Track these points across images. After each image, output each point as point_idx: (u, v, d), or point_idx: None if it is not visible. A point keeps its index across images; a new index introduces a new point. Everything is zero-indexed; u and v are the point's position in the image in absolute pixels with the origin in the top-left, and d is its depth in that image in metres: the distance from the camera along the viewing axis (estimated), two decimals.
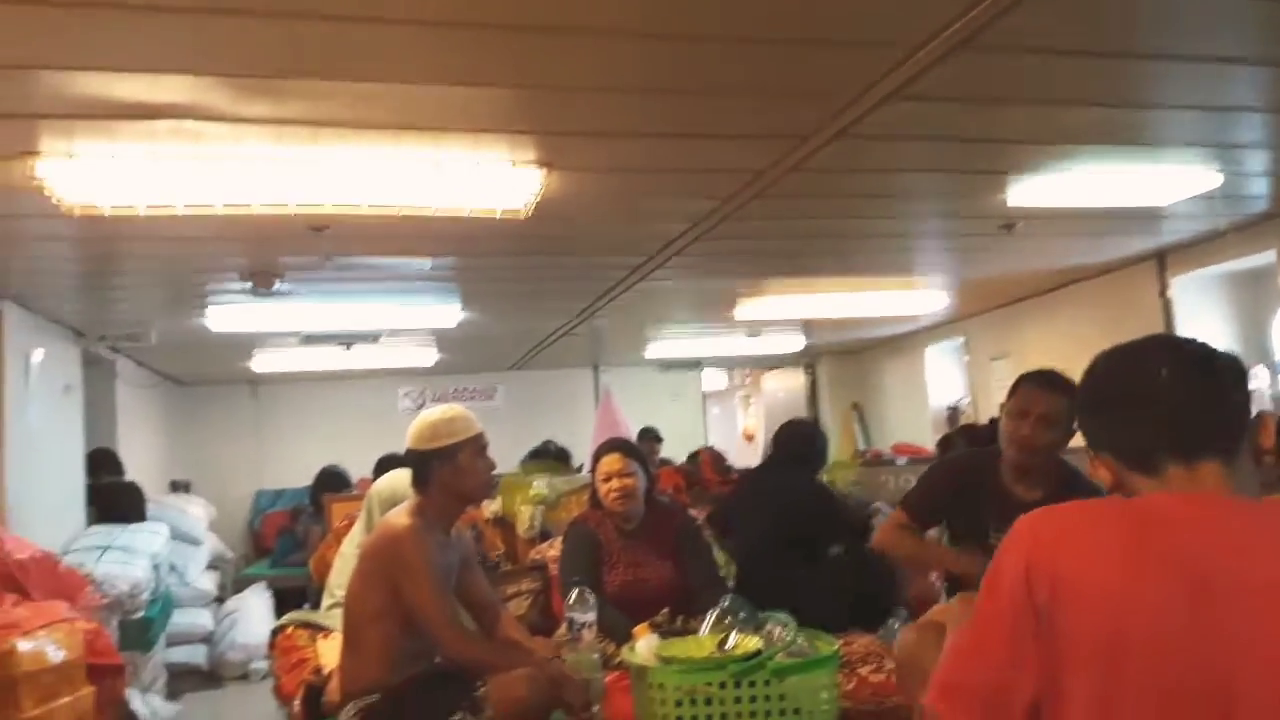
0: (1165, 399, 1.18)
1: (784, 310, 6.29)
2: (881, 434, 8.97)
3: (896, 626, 3.36)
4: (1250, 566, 1.08)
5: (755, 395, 12.03)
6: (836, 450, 8.22)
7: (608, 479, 3.21)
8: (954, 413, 7.89)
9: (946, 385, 8.09)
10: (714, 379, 11.28)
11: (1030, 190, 3.63)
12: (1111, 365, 1.26)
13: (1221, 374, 1.19)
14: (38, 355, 4.76)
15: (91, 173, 2.66)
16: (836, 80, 2.48)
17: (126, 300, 4.96)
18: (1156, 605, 1.07)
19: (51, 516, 4.87)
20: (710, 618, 2.57)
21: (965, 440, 4.89)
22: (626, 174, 3.18)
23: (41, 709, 2.86)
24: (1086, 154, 3.28)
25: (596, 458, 3.31)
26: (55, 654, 2.97)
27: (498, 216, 3.13)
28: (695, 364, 9.65)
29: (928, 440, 7.26)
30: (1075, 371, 1.39)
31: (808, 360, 9.75)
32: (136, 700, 4.23)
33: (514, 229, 3.39)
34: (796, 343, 8.26)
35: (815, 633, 2.49)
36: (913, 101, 2.57)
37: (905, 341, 8.42)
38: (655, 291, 5.34)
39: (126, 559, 5.01)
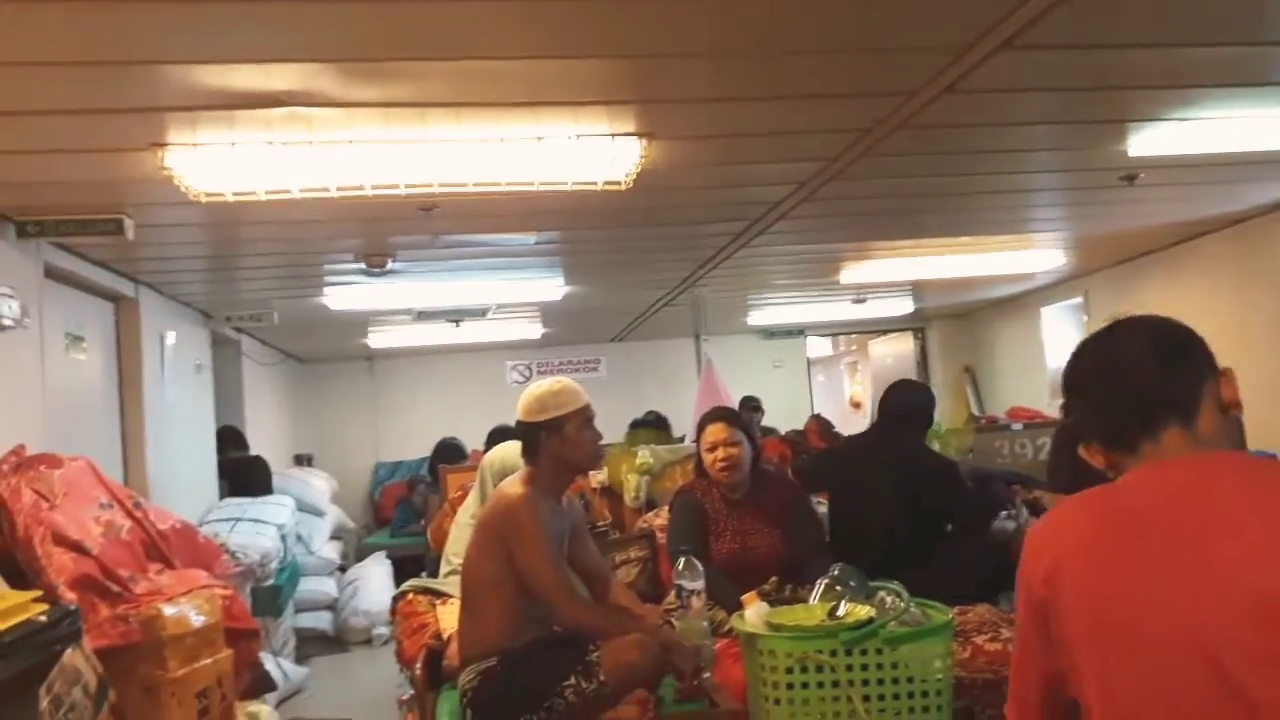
0: (1122, 381, 1.30)
1: (892, 273, 6.15)
2: (994, 398, 8.70)
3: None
4: (1206, 516, 1.17)
5: (862, 362, 11.82)
6: (949, 416, 8.03)
7: (713, 448, 3.21)
8: None
9: (1064, 347, 7.78)
10: (818, 346, 11.12)
11: (1153, 139, 3.43)
12: (1081, 356, 1.38)
13: (1164, 348, 1.30)
14: (171, 337, 5.03)
15: (215, 161, 2.78)
16: (944, 32, 2.38)
17: (250, 282, 5.19)
18: (1126, 577, 1.17)
19: (187, 490, 5.16)
20: (820, 586, 2.55)
21: None
22: (728, 139, 3.13)
23: (186, 669, 3.04)
24: (1213, 97, 3.07)
25: (700, 427, 3.31)
26: (197, 618, 3.15)
27: (599, 189, 3.13)
28: (799, 331, 9.52)
29: (1044, 404, 7.01)
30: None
31: (917, 324, 9.52)
32: (269, 663, 4.46)
33: (615, 201, 3.39)
34: (905, 306, 8.06)
35: (929, 602, 2.45)
36: (1025, 51, 2.45)
37: (1020, 302, 8.12)
38: (758, 258, 5.28)
39: (257, 530, 5.28)
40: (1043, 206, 4.84)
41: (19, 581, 2.68)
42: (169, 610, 3.05)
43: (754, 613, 2.42)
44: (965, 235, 5.19)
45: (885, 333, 10.05)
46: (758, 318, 8.36)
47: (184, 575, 3.38)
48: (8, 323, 3.23)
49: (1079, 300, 7.30)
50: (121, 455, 4.49)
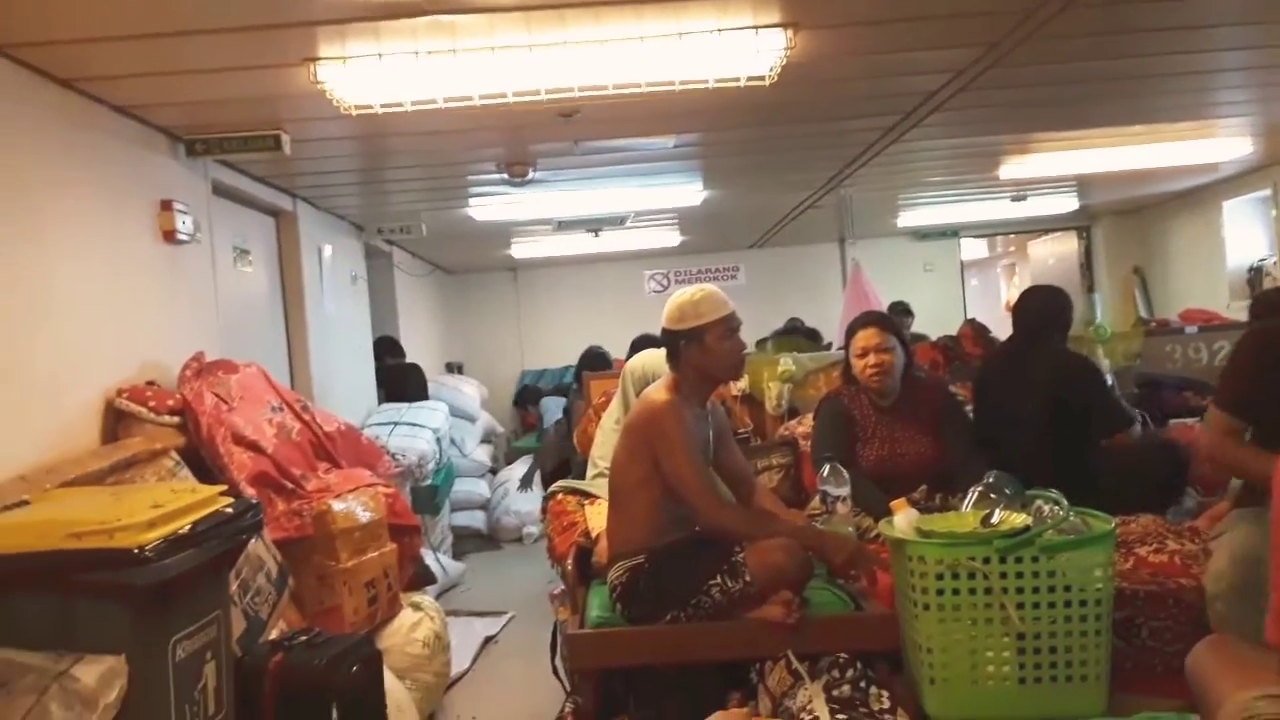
0: None
1: (1056, 168, 5.76)
2: (1165, 300, 8.14)
3: (1189, 505, 3.10)
4: None
5: (1020, 264, 11.24)
6: (1116, 319, 7.57)
7: (863, 354, 3.12)
8: (1257, 274, 6.97)
9: (1248, 243, 7.15)
10: (973, 248, 10.62)
11: None
12: None
13: None
14: (328, 250, 5.26)
15: (363, 74, 2.83)
16: None
17: (398, 195, 5.33)
18: None
19: (348, 395, 5.45)
20: (973, 494, 2.49)
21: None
22: (879, 26, 2.95)
23: (355, 561, 3.26)
24: None
25: (851, 332, 3.22)
26: (363, 514, 3.35)
27: (741, 85, 3.02)
28: (952, 232, 9.11)
29: (1222, 307, 6.50)
30: None
31: (1082, 223, 8.94)
32: (429, 558, 4.73)
33: (757, 98, 3.27)
34: (1069, 204, 7.58)
35: (1090, 511, 2.36)
36: None
37: (1198, 196, 7.48)
38: (909, 154, 5.03)
39: (414, 433, 5.55)
40: (1228, 89, 4.38)
41: (205, 477, 2.90)
42: (338, 506, 3.26)
43: (903, 519, 2.38)
44: (1139, 124, 4.78)
45: (1046, 232, 9.48)
46: (908, 219, 8.03)
47: (350, 474, 3.59)
48: (183, 237, 3.43)
49: (1267, 193, 6.67)
50: (287, 362, 4.77)
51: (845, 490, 2.71)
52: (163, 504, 2.09)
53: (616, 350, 6.15)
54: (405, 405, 5.98)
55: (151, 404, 2.97)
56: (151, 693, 2.03)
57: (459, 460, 6.57)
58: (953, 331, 5.58)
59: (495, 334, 9.41)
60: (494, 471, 7.37)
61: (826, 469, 2.73)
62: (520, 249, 7.86)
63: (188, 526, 2.09)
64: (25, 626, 1.97)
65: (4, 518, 2.14)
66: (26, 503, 2.27)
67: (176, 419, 3.02)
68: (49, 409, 2.68)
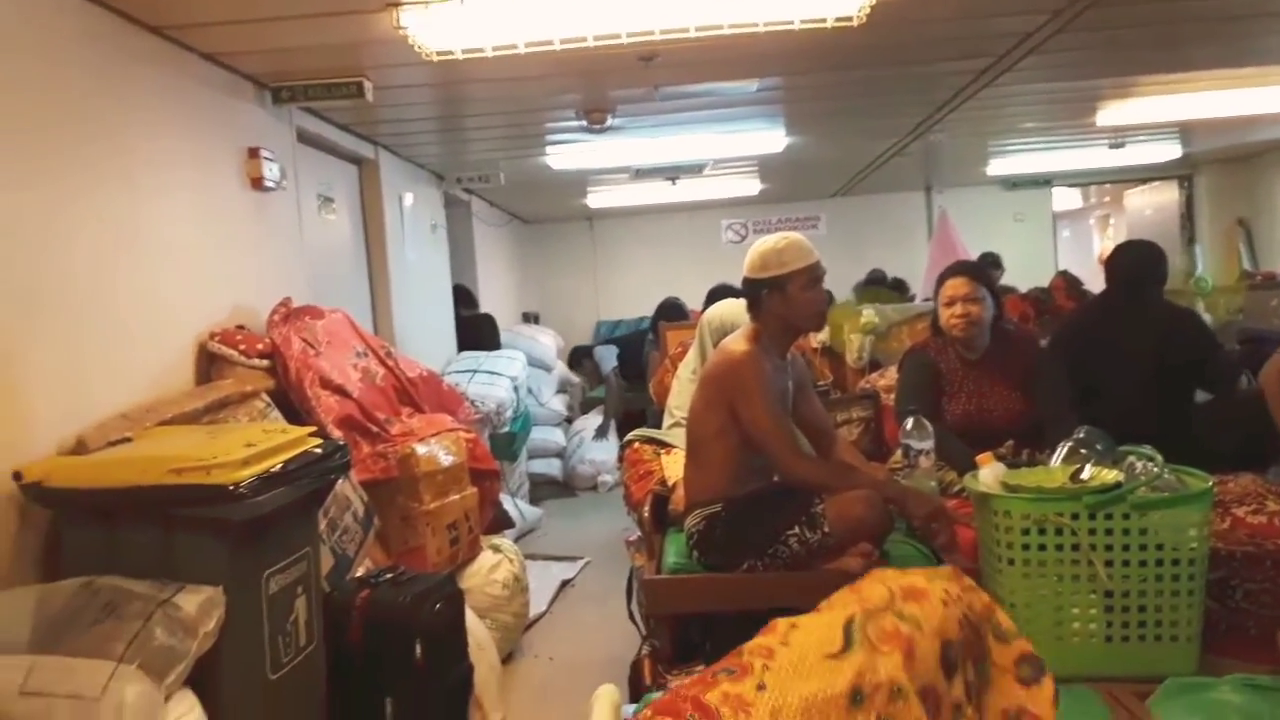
0: None
1: (1157, 113, 5.48)
2: (1271, 254, 7.74)
3: None
4: None
5: (1115, 214, 10.81)
6: (1218, 272, 7.24)
7: (951, 304, 3.04)
8: None
9: None
10: (1065, 198, 10.24)
11: None
12: None
13: None
14: (408, 199, 5.32)
15: (445, 19, 2.82)
16: None
17: (477, 143, 5.35)
18: None
19: (428, 343, 5.54)
20: (1063, 449, 2.42)
21: None
22: None
23: (437, 503, 3.33)
24: None
25: (940, 282, 3.13)
26: (445, 458, 3.42)
27: (829, 26, 2.93)
28: (1045, 181, 8.77)
29: None
30: None
31: (1183, 171, 8.52)
32: (507, 503, 4.82)
33: (844, 39, 3.17)
34: (1170, 151, 7.22)
35: (1187, 469, 2.28)
36: None
37: None
38: (1002, 99, 4.84)
39: (492, 381, 5.63)
40: None
41: (294, 419, 2.99)
42: (421, 449, 3.33)
43: (989, 473, 2.33)
44: (1248, 66, 4.51)
45: (1145, 181, 9.06)
46: (998, 167, 7.76)
47: (432, 419, 3.66)
48: (269, 184, 3.50)
49: None
50: (370, 309, 4.86)
51: (929, 444, 2.66)
52: (256, 443, 2.16)
53: (692, 301, 6.13)
54: (484, 354, 6.06)
55: (242, 347, 3.06)
56: (246, 623, 2.12)
57: (535, 409, 6.65)
58: (1043, 284, 5.41)
59: (571, 284, 9.45)
60: (569, 421, 7.45)
61: (910, 422, 2.67)
62: (597, 198, 7.84)
63: (279, 465, 2.16)
64: (131, 556, 2.06)
65: (110, 453, 2.24)
66: (129, 440, 2.37)
67: (266, 362, 3.11)
68: (147, 351, 2.78)
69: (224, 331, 3.09)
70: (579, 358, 8.48)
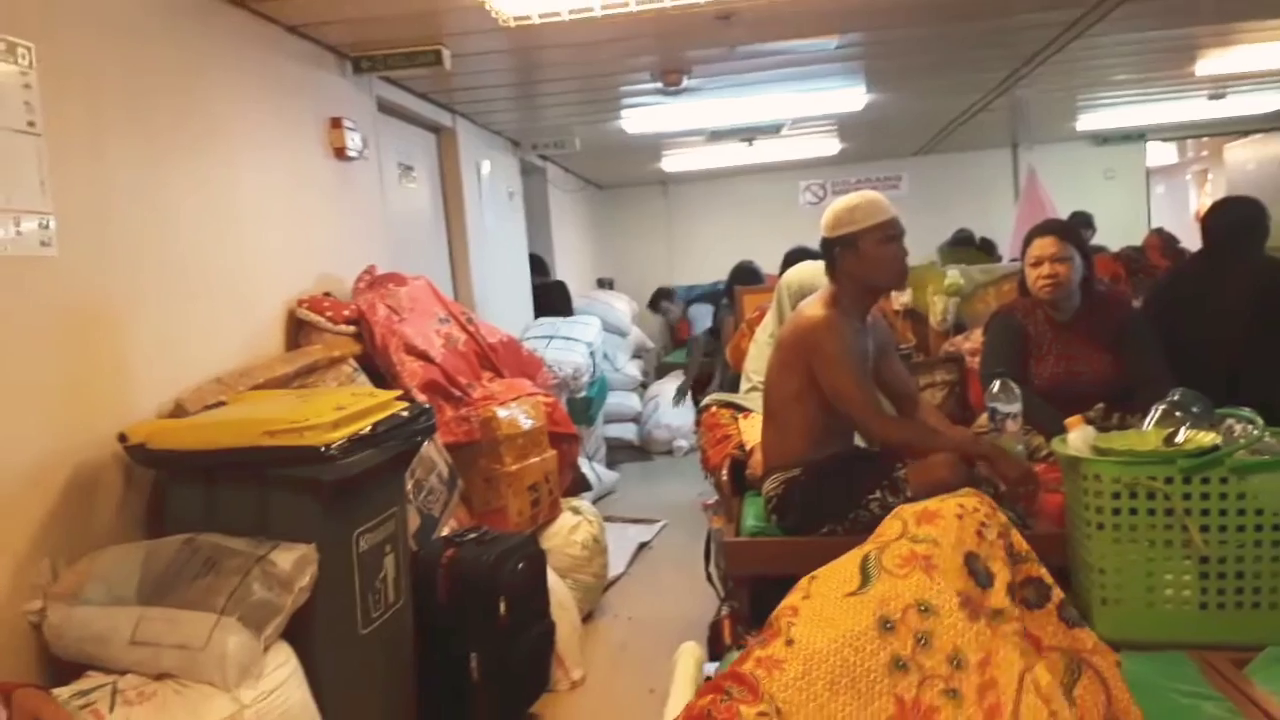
0: None
1: (1261, 61, 5.19)
2: None
3: None
4: None
5: (1214, 169, 10.31)
6: None
7: (1038, 264, 2.95)
8: None
9: None
10: (1160, 152, 9.80)
11: None
12: None
13: None
14: (486, 166, 5.36)
15: None
16: None
17: (553, 109, 5.36)
18: None
19: (506, 308, 5.61)
20: (1156, 411, 2.33)
21: None
22: None
23: (518, 465, 3.39)
24: None
25: (1026, 242, 3.04)
26: (525, 421, 3.47)
27: None
28: (1138, 135, 8.40)
29: None
30: None
31: None
32: (584, 466, 4.87)
33: None
34: (1274, 101, 6.84)
35: None
36: None
37: None
38: (1093, 50, 4.63)
39: (569, 346, 5.68)
40: None
41: (379, 384, 3.06)
42: (502, 413, 3.39)
43: (1079, 436, 2.27)
44: None
45: (1246, 134, 8.61)
46: (1089, 121, 7.45)
47: (512, 384, 3.71)
48: (352, 154, 3.57)
49: None
50: (450, 276, 4.94)
51: (1015, 408, 2.60)
52: (345, 406, 2.22)
53: (768, 265, 6.06)
54: (560, 320, 6.12)
55: (329, 314, 3.14)
56: (338, 579, 2.20)
57: (611, 374, 6.69)
58: (1136, 243, 5.20)
59: (645, 249, 9.44)
60: (645, 386, 7.48)
61: (996, 385, 2.61)
62: (671, 161, 7.79)
63: (368, 427, 2.22)
64: (229, 514, 2.15)
65: (207, 416, 2.33)
66: (223, 403, 2.46)
67: (352, 328, 3.19)
68: (239, 317, 2.88)
69: (311, 299, 3.18)
70: (659, 299, 8.43)
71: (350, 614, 2.25)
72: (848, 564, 1.39)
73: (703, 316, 7.30)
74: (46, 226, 2.12)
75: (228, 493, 2.17)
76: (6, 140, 2.02)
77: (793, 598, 1.36)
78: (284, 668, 2.02)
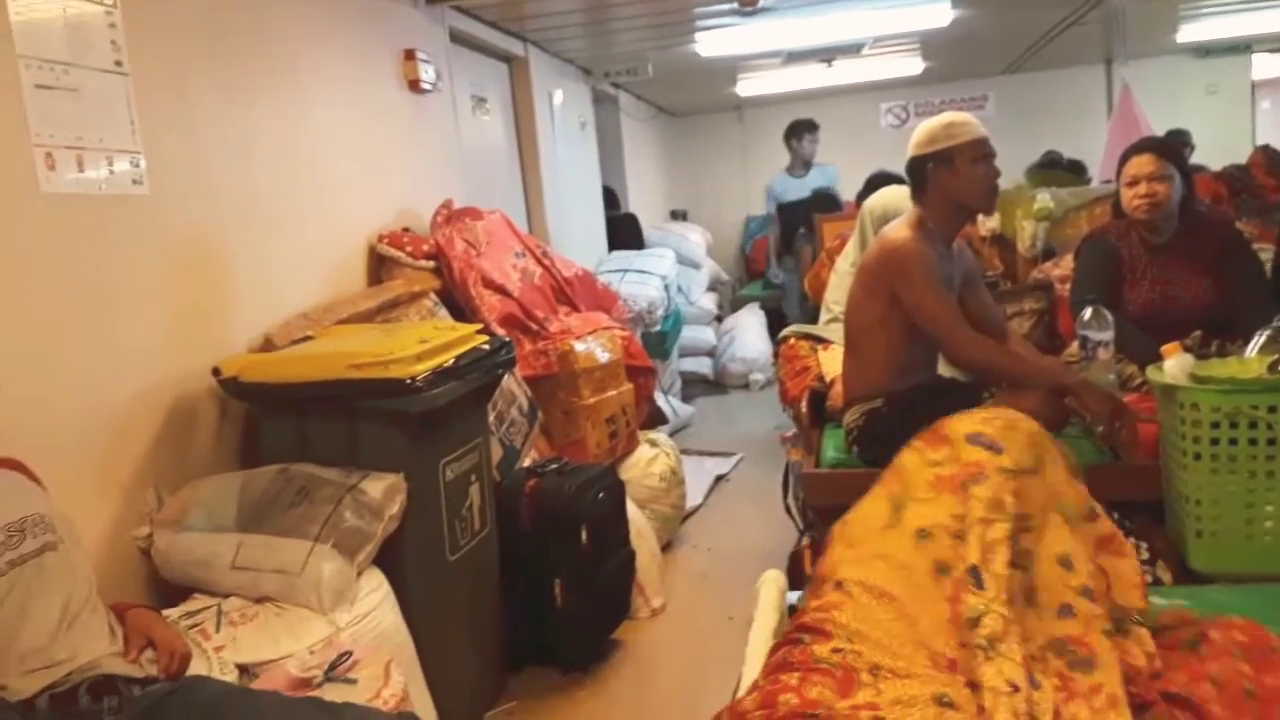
0: None
1: None
2: None
3: None
4: None
5: None
6: None
7: (1134, 183, 2.81)
8: None
9: None
10: (1267, 65, 9.19)
11: None
12: None
13: None
14: (558, 96, 5.31)
15: None
16: None
17: (625, 34, 5.26)
18: None
19: (580, 242, 5.60)
20: (1259, 338, 2.22)
21: None
22: None
23: (596, 398, 3.42)
24: None
25: (1122, 160, 2.90)
26: (602, 355, 3.49)
27: None
28: (1243, 47, 7.90)
29: None
30: None
31: None
32: (660, 400, 4.89)
33: None
34: None
35: None
36: None
37: None
38: None
39: (643, 280, 5.66)
40: None
41: (459, 318, 3.10)
42: (579, 347, 3.41)
43: (1175, 364, 2.18)
44: None
45: None
46: (1190, 33, 7.01)
47: (588, 317, 3.73)
48: (426, 86, 3.56)
49: None
50: (524, 209, 4.94)
51: (1108, 335, 2.51)
52: (428, 340, 2.25)
53: (848, 191, 5.92)
54: (634, 253, 6.09)
55: (408, 249, 3.18)
56: (426, 507, 2.26)
57: (685, 307, 6.65)
58: (1239, 161, 4.92)
59: (720, 179, 9.28)
60: (720, 319, 7.43)
61: (1088, 312, 2.52)
62: (747, 85, 7.60)
63: (451, 360, 2.25)
64: (320, 445, 2.22)
65: (295, 350, 2.39)
66: (310, 338, 2.52)
67: (431, 263, 3.22)
68: (322, 254, 2.93)
69: (391, 234, 3.22)
70: (800, 130, 8.01)
71: (438, 541, 2.31)
72: (874, 501, 1.45)
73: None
74: (137, 166, 2.18)
75: (318, 424, 2.24)
76: (96, 81, 2.07)
77: (830, 552, 1.41)
78: (376, 592, 2.10)
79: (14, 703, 1.38)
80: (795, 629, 1.29)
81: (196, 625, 1.93)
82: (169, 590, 2.10)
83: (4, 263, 1.85)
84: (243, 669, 1.85)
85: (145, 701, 1.53)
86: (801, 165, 6.56)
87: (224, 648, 1.87)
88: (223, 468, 2.37)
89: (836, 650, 1.20)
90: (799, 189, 6.54)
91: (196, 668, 1.73)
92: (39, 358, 1.90)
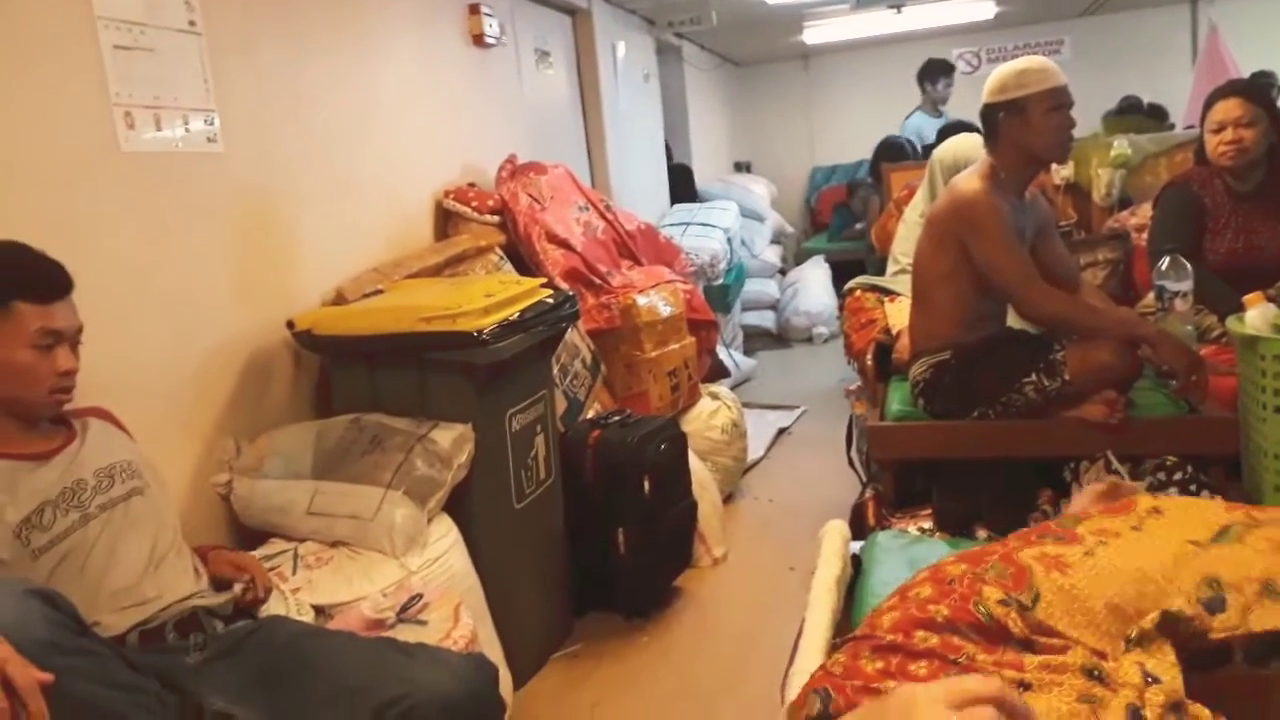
0: None
1: None
2: None
3: None
4: None
5: None
6: None
7: (1220, 129, 2.70)
8: None
9: None
10: None
11: None
12: None
13: None
14: (621, 48, 5.26)
15: None
16: None
17: None
18: None
19: (643, 195, 5.57)
20: None
21: None
22: None
23: (658, 351, 3.43)
24: None
25: (1207, 105, 2.78)
26: (664, 308, 3.49)
27: None
28: None
29: None
30: None
31: None
32: (722, 353, 4.87)
33: None
34: None
35: None
36: None
37: None
38: None
39: (705, 233, 5.62)
40: None
41: (523, 272, 3.13)
42: (642, 300, 3.41)
43: (1257, 314, 2.10)
44: None
45: None
46: None
47: (650, 271, 3.72)
48: (490, 40, 3.56)
49: None
50: (587, 163, 4.93)
51: (1186, 285, 2.43)
52: (494, 294, 2.28)
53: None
54: (697, 206, 6.04)
55: (474, 204, 3.21)
56: (494, 457, 2.30)
57: (748, 260, 6.59)
58: None
59: (784, 129, 9.13)
60: (783, 272, 7.35)
61: (1166, 261, 2.44)
62: (813, 33, 7.43)
63: (516, 314, 2.28)
64: (391, 395, 2.28)
65: (366, 304, 2.45)
66: (380, 291, 2.57)
67: (496, 218, 3.25)
68: (390, 209, 2.97)
69: (457, 189, 3.25)
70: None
71: (505, 489, 2.36)
72: (1207, 513, 1.20)
73: None
74: (211, 124, 2.23)
75: (388, 375, 2.29)
76: (171, 40, 2.11)
77: (1120, 521, 1.20)
78: (446, 538, 2.15)
79: (107, 638, 1.46)
80: (1003, 557, 1.13)
81: (274, 568, 2.01)
82: (247, 535, 2.19)
83: (88, 220, 1.92)
84: (319, 610, 1.93)
85: (229, 639, 1.61)
86: (933, 107, 6.31)
87: (300, 590, 1.95)
88: (297, 417, 2.45)
89: (1002, 603, 1.06)
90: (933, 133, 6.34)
91: (274, 608, 1.80)
92: (124, 312, 1.98)
